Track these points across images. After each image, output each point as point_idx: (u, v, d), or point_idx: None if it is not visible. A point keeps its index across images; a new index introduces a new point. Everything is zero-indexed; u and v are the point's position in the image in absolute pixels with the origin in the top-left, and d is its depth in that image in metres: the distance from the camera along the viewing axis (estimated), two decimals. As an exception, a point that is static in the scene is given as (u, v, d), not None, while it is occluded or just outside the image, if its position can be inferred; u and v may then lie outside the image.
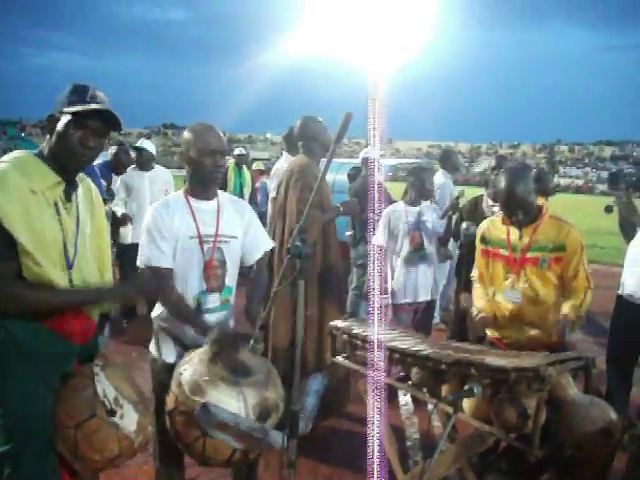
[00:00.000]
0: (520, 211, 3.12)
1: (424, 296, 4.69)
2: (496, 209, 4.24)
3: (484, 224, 3.45)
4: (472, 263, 3.59)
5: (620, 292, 4.11)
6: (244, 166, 9.44)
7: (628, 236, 4.22)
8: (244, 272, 2.81)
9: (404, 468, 3.01)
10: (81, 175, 2.23)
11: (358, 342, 2.94)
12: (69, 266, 2.07)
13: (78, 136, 2.04)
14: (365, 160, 6.22)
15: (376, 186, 2.90)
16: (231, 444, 2.12)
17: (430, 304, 4.82)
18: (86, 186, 2.27)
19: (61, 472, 2.12)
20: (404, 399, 4.71)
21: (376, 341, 2.78)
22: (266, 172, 10.86)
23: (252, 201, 8.84)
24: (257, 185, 10.14)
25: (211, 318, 2.60)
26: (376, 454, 2.54)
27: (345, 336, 3.02)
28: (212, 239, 2.59)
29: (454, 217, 4.67)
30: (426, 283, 4.68)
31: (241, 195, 8.58)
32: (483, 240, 3.41)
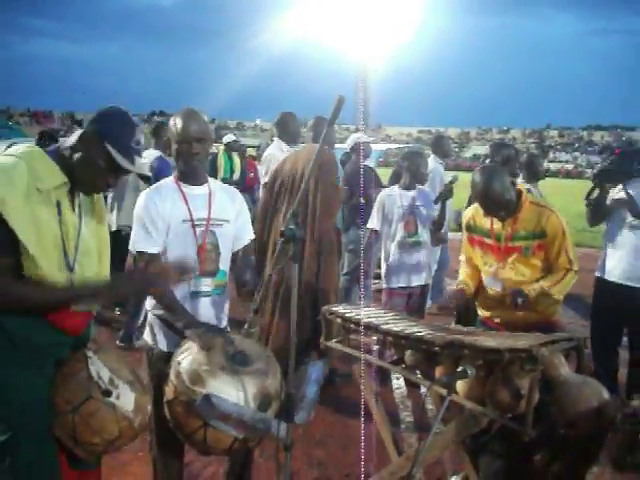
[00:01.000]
0: (499, 209, 3.15)
1: (417, 281, 4.70)
2: None
3: (469, 212, 3.48)
4: None
5: (599, 274, 4.18)
6: (234, 153, 9.42)
7: (595, 221, 4.31)
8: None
9: (398, 451, 3.04)
10: None
11: (352, 326, 2.94)
12: (70, 268, 2.05)
13: (107, 176, 2.07)
14: (356, 145, 6.22)
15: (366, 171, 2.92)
16: (232, 434, 2.11)
17: (423, 288, 4.83)
18: None
19: (61, 461, 2.12)
20: (397, 382, 4.74)
21: (369, 324, 2.79)
22: (257, 159, 10.84)
23: (243, 188, 8.81)
24: (251, 174, 10.13)
25: (205, 302, 2.61)
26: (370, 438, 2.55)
27: (339, 320, 3.02)
28: (204, 223, 2.58)
29: (447, 202, 4.66)
30: (419, 268, 4.69)
31: (231, 182, 8.55)
32: (469, 228, 3.44)
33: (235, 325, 2.89)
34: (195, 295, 2.59)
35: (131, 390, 2.10)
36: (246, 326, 2.34)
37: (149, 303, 2.70)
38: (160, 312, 2.61)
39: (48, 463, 2.07)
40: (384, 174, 7.89)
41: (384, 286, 4.76)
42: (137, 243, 2.57)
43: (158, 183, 2.70)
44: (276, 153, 5.25)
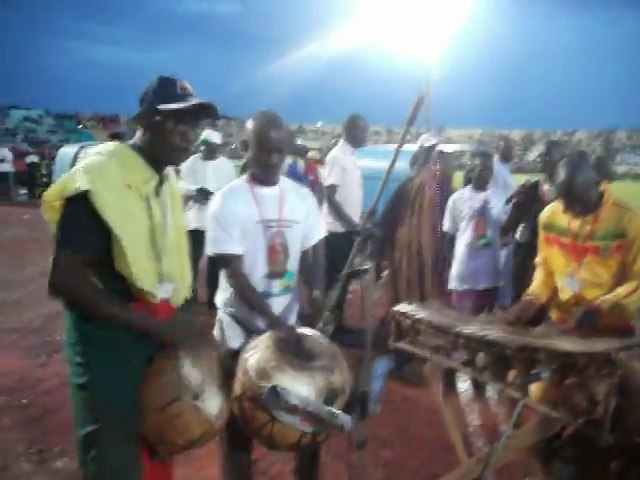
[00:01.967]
0: (580, 202, 3.09)
1: (485, 283, 4.66)
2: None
3: (547, 211, 3.42)
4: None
5: None
6: (298, 157, 9.51)
7: None
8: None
9: (468, 453, 3.02)
10: (167, 170, 2.24)
11: (422, 327, 2.95)
12: (158, 259, 2.11)
13: (180, 132, 2.07)
14: (430, 148, 6.15)
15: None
16: (299, 427, 2.11)
17: (491, 291, 4.77)
18: (172, 181, 2.29)
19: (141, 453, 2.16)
20: (464, 386, 4.70)
21: (440, 326, 2.79)
22: (320, 161, 10.89)
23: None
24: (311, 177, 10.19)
25: (274, 303, 2.63)
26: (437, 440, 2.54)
27: (408, 321, 3.02)
28: (275, 224, 2.61)
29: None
30: (487, 270, 4.65)
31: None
32: (546, 227, 3.38)
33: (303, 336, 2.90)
34: (264, 296, 2.61)
35: (218, 395, 2.11)
36: (321, 324, 2.36)
37: (219, 301, 2.74)
38: (232, 310, 2.67)
39: (131, 457, 2.11)
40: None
41: (452, 288, 4.75)
42: (218, 245, 2.59)
43: (230, 184, 2.73)
44: (340, 155, 5.30)
